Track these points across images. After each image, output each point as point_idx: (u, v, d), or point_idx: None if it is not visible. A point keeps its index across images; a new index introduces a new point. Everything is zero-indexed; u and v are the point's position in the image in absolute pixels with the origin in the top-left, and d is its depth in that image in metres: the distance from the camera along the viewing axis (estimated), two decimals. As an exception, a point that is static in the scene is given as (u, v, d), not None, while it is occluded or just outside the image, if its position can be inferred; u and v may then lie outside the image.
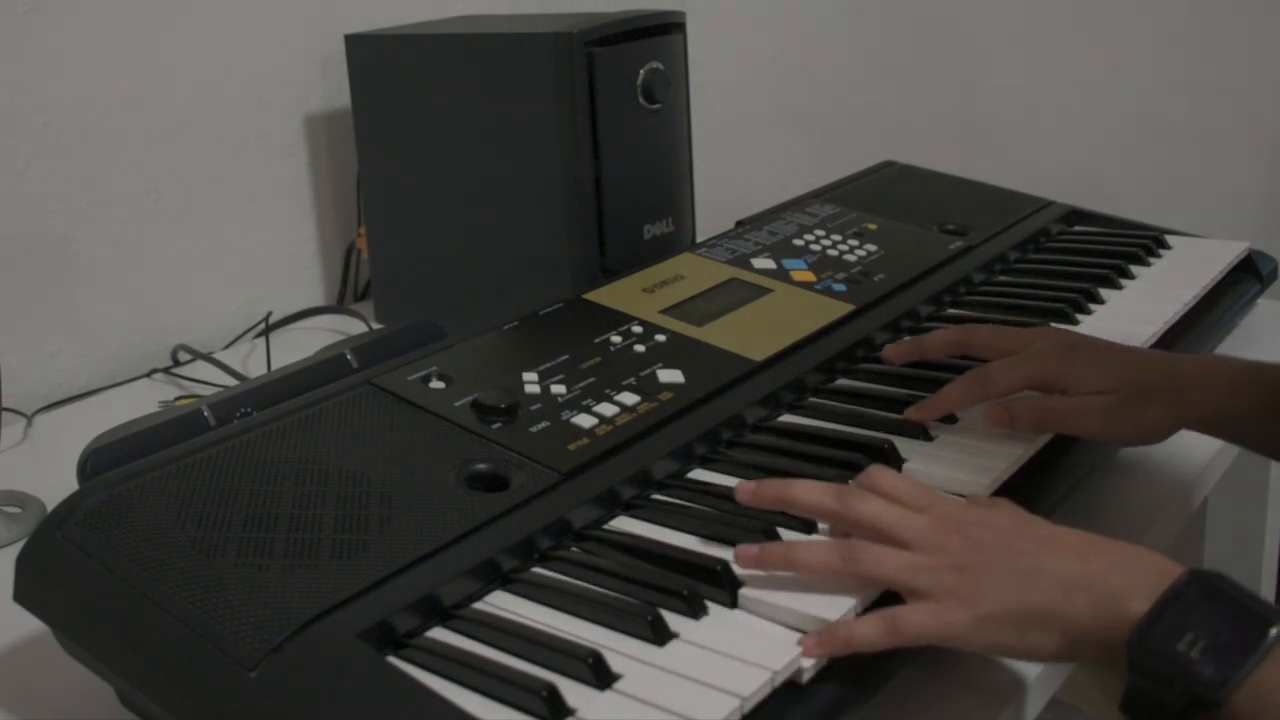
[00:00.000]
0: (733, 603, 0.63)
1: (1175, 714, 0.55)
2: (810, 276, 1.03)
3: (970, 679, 0.67)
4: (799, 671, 0.59)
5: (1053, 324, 0.97)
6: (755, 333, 0.92)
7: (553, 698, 0.55)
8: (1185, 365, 0.80)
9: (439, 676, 0.58)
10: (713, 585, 0.64)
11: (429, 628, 0.62)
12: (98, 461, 0.72)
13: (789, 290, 1.00)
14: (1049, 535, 0.62)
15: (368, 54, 1.23)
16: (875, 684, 0.62)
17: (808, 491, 0.67)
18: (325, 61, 1.37)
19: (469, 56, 1.16)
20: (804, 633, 0.60)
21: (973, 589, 0.60)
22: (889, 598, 0.63)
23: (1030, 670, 0.68)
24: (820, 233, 1.12)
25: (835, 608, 0.62)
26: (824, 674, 0.60)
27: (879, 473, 0.68)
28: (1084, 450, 0.83)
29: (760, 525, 0.69)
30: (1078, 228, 1.25)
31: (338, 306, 1.41)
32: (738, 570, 0.64)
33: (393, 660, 0.59)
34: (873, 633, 0.60)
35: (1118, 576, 0.58)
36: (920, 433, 0.81)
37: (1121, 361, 0.80)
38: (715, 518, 0.71)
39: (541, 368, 0.83)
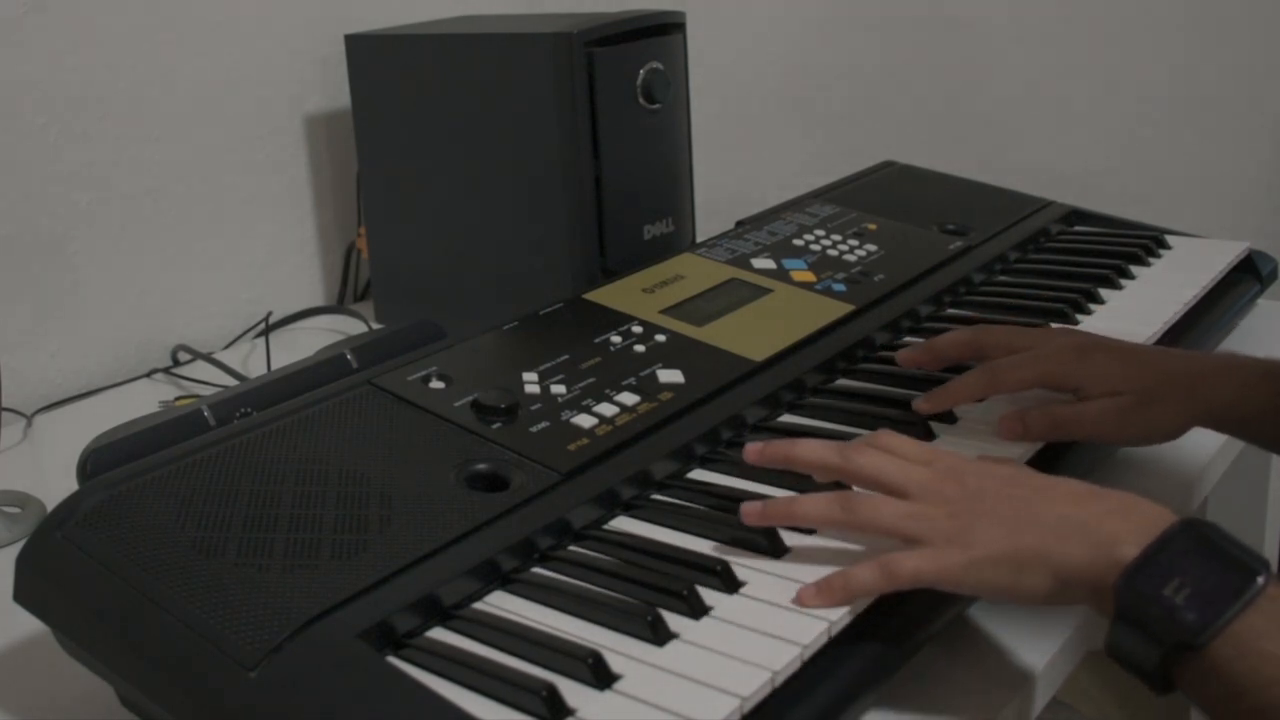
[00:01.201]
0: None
1: (1157, 657, 0.55)
2: (810, 276, 1.03)
3: (974, 673, 0.67)
4: (803, 649, 0.59)
5: (1058, 324, 0.98)
6: (755, 333, 0.92)
7: (552, 698, 0.55)
8: (1198, 363, 0.80)
9: (439, 676, 0.58)
10: (713, 585, 0.64)
11: (429, 628, 0.62)
12: (98, 461, 0.72)
13: (789, 290, 1.00)
14: (1046, 483, 0.63)
15: (368, 54, 1.23)
16: (877, 682, 0.62)
17: (811, 449, 0.69)
18: (325, 61, 1.37)
19: (469, 56, 1.16)
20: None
21: (968, 533, 0.61)
22: (884, 604, 0.63)
23: (1034, 666, 0.68)
24: (820, 233, 1.12)
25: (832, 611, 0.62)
26: (822, 674, 0.60)
27: (886, 433, 0.69)
28: (1084, 450, 0.83)
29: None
30: (1078, 228, 1.25)
31: (338, 306, 1.41)
32: (736, 568, 0.64)
33: (393, 660, 0.59)
34: (869, 578, 0.61)
35: (1112, 522, 0.59)
36: (921, 432, 0.81)
37: (1134, 361, 0.80)
38: (715, 518, 0.71)
39: (541, 368, 0.83)
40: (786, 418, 0.85)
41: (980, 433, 0.81)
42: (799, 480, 0.74)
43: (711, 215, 1.31)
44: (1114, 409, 0.78)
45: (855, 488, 0.68)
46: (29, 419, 1.13)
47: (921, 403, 0.82)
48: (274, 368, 1.01)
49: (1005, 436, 0.79)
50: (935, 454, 0.67)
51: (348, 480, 0.69)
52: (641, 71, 1.13)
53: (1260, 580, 0.55)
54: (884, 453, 0.67)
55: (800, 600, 0.61)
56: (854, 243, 1.10)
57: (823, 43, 1.73)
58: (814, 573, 0.64)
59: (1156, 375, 0.78)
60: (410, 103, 1.21)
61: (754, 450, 0.70)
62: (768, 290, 0.99)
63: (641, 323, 0.91)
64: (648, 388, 0.82)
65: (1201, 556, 0.56)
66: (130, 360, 1.25)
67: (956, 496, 0.63)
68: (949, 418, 0.83)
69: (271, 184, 1.36)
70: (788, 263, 1.05)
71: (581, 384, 0.81)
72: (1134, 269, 1.12)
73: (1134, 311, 1.02)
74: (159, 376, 1.22)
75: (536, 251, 1.15)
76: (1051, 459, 0.81)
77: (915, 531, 0.62)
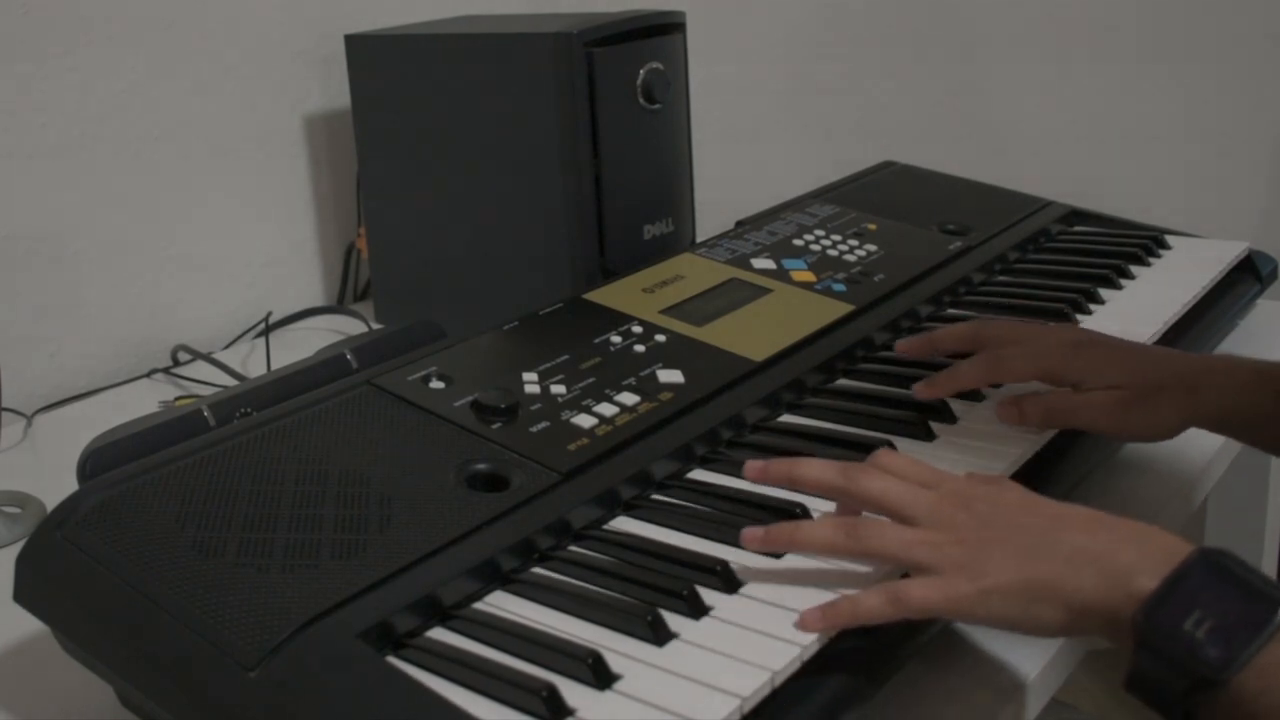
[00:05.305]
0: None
1: (1179, 693, 0.55)
2: (810, 276, 1.03)
3: (973, 675, 0.67)
4: (803, 649, 0.58)
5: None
6: (755, 333, 0.92)
7: (552, 698, 0.55)
8: (1197, 363, 0.80)
9: (439, 676, 0.58)
10: (713, 585, 0.64)
11: (429, 628, 0.62)
12: (98, 461, 0.72)
13: (789, 290, 1.00)
14: (1056, 512, 0.62)
15: (368, 54, 1.23)
16: (876, 682, 0.62)
17: (814, 469, 0.67)
18: (325, 61, 1.37)
19: (469, 56, 1.16)
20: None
21: (978, 563, 0.60)
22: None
23: (1030, 669, 0.68)
24: (820, 233, 1.12)
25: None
26: (823, 672, 0.60)
27: (887, 454, 0.68)
28: (1084, 450, 0.83)
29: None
30: (1078, 228, 1.25)
31: (338, 306, 1.41)
32: (736, 568, 0.64)
33: (393, 660, 0.59)
34: (877, 605, 0.60)
35: (1126, 552, 0.58)
36: (921, 433, 0.81)
37: (1133, 358, 0.80)
38: (715, 518, 0.71)
39: (541, 368, 0.83)
40: (786, 418, 0.85)
41: (979, 432, 0.81)
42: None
43: (711, 215, 1.31)
44: (1111, 401, 0.78)
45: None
46: (29, 419, 1.13)
47: (921, 387, 0.83)
48: (274, 368, 1.01)
49: (1002, 420, 0.80)
50: (939, 476, 0.66)
51: (348, 480, 0.69)
52: (641, 71, 1.13)
53: None
54: (888, 475, 0.65)
55: (804, 624, 0.60)
56: (854, 243, 1.10)
57: (823, 43, 1.73)
58: (815, 573, 0.64)
59: (1155, 373, 0.79)
60: (410, 103, 1.21)
61: (755, 468, 0.69)
62: (767, 290, 0.99)
63: (641, 323, 0.91)
64: (648, 388, 0.82)
65: (1221, 588, 0.55)
66: (130, 360, 1.25)
67: (965, 523, 0.62)
68: (949, 417, 0.83)
69: (271, 184, 1.36)
70: (787, 263, 1.05)
71: (581, 384, 0.81)
72: (1134, 269, 1.12)
73: (1134, 311, 1.02)
74: (159, 376, 1.22)
75: (537, 251, 1.15)
76: (1053, 458, 0.81)
77: (924, 559, 0.61)
